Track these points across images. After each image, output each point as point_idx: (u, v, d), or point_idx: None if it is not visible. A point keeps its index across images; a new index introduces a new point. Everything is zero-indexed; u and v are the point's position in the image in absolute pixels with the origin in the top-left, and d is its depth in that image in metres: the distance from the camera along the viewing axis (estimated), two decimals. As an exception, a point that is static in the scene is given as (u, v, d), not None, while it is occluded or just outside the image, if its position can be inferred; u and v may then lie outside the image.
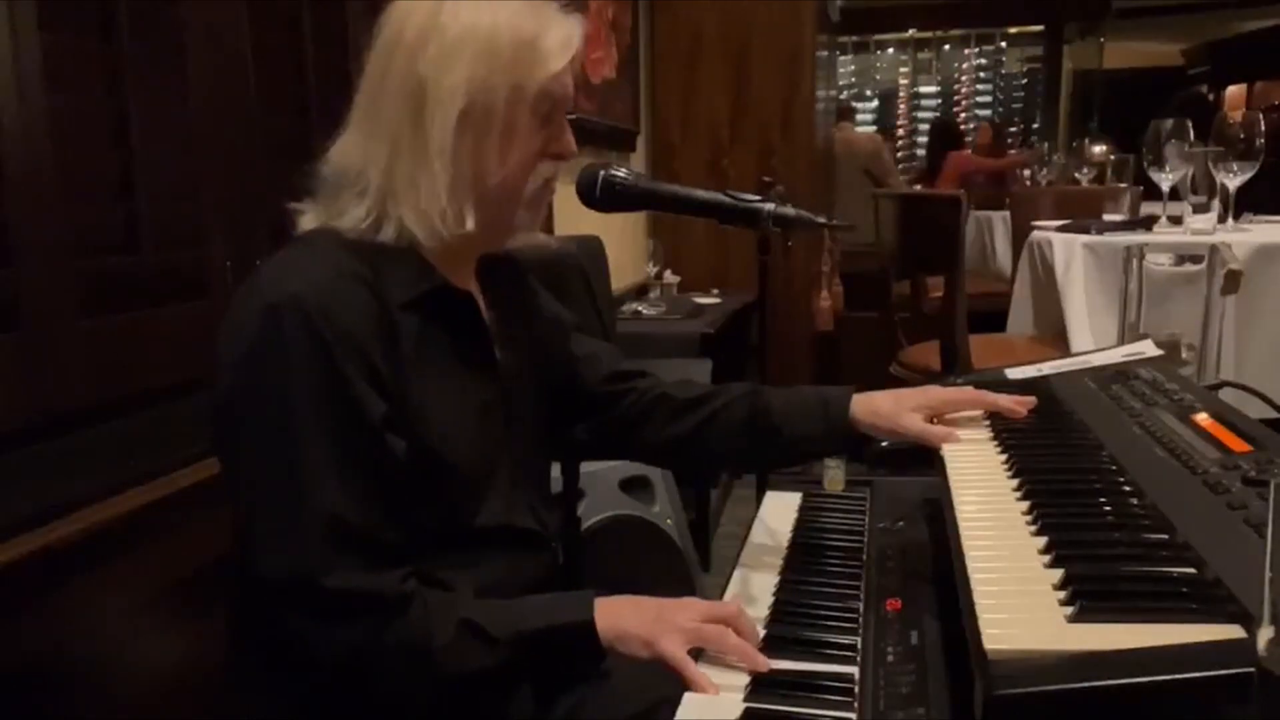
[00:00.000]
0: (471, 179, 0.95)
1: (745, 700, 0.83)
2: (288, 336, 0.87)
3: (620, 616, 0.93)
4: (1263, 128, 2.25)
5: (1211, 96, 7.87)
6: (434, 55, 0.93)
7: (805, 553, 1.14)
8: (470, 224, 0.95)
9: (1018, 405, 1.11)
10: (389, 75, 0.95)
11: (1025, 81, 7.60)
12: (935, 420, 1.13)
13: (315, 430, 0.87)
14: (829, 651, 0.91)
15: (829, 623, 0.96)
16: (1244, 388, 1.25)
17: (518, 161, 0.97)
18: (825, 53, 4.42)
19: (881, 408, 1.13)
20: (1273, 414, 1.14)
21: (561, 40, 0.97)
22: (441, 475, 0.97)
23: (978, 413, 1.14)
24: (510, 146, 0.96)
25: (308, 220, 1.00)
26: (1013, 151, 6.57)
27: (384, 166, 0.95)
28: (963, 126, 7.56)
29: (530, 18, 0.96)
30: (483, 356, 1.04)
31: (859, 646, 0.91)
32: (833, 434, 1.15)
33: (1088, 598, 0.64)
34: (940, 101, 7.62)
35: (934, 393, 1.17)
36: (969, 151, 6.03)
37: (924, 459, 1.11)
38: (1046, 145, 5.87)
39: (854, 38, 7.41)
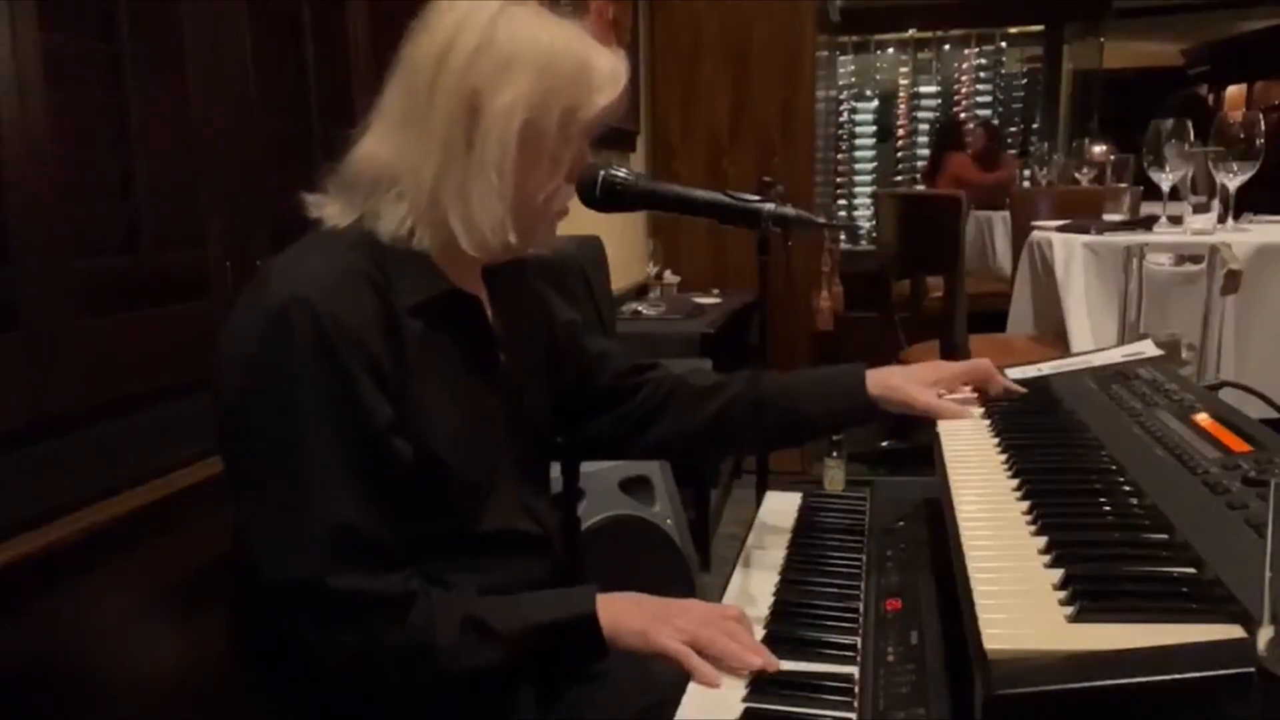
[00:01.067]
0: (518, 194, 0.95)
1: (745, 700, 0.83)
2: (295, 338, 0.86)
3: (621, 611, 0.94)
4: (1263, 128, 2.24)
5: (1211, 97, 7.87)
6: (490, 68, 0.92)
7: (805, 553, 1.14)
8: (514, 238, 0.95)
9: (1013, 388, 1.20)
10: (440, 81, 0.93)
11: (1025, 81, 7.58)
12: (945, 395, 1.19)
13: (321, 432, 0.87)
14: (829, 651, 0.91)
15: (829, 623, 0.96)
16: (1244, 388, 1.25)
17: (554, 178, 0.98)
18: (825, 53, 4.42)
19: (894, 382, 1.18)
20: (1273, 414, 1.14)
21: (612, 70, 0.97)
22: (444, 479, 0.96)
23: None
24: (557, 167, 0.97)
25: (330, 214, 0.98)
26: (1011, 152, 6.58)
27: (433, 174, 0.93)
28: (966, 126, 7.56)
29: (580, 41, 0.97)
30: (487, 361, 1.04)
31: (859, 646, 0.91)
32: (850, 409, 1.18)
33: (1088, 598, 0.64)
34: (940, 101, 7.60)
35: (945, 367, 1.23)
36: (968, 155, 6.02)
37: (924, 459, 1.11)
38: (1046, 145, 5.86)
39: (854, 38, 7.40)
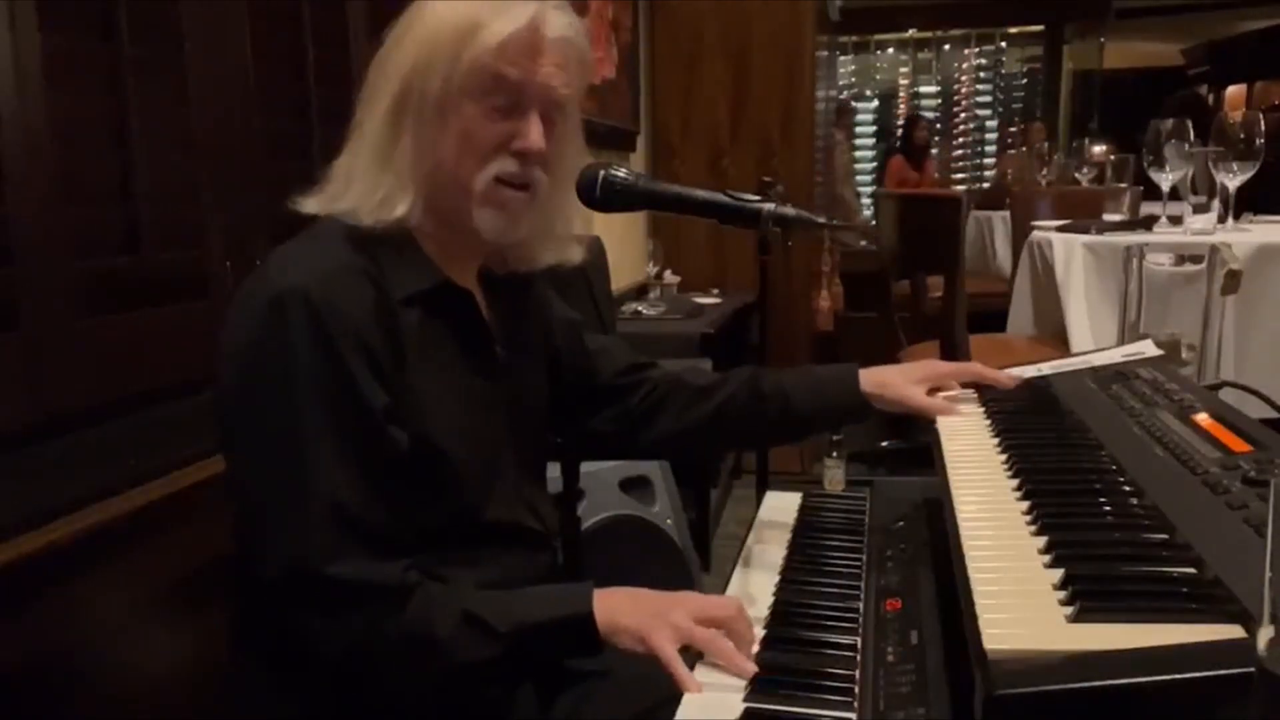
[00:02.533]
0: (409, 164, 0.96)
1: (745, 700, 0.83)
2: (292, 328, 0.87)
3: (617, 610, 0.94)
4: (1263, 128, 2.24)
5: (1211, 97, 7.87)
6: (395, 55, 0.96)
7: (805, 553, 1.14)
8: (400, 210, 0.95)
9: (1009, 380, 1.22)
10: (368, 79, 0.99)
11: (1025, 81, 7.59)
12: (938, 393, 1.20)
13: (319, 421, 0.88)
14: (829, 651, 0.91)
15: (829, 623, 0.96)
16: (1244, 388, 1.25)
17: (463, 151, 0.96)
18: (825, 53, 4.41)
19: (888, 379, 1.19)
20: (1273, 414, 1.14)
21: (506, 20, 0.94)
22: (442, 470, 0.97)
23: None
24: (445, 131, 0.95)
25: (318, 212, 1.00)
26: (933, 151, 6.72)
27: (349, 156, 0.98)
28: (963, 125, 7.57)
29: (480, 6, 0.95)
30: (484, 355, 1.05)
31: (859, 646, 0.91)
32: (844, 407, 1.20)
33: (1088, 598, 0.64)
34: (940, 101, 7.62)
35: (937, 366, 1.24)
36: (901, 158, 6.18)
37: (924, 459, 1.11)
38: (1046, 145, 5.87)
39: (854, 38, 7.41)
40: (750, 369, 1.24)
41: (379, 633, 0.89)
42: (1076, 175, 4.33)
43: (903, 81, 7.63)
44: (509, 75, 0.95)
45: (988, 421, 1.11)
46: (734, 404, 1.20)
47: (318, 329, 0.88)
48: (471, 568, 0.98)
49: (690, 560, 2.29)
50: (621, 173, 1.18)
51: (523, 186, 0.99)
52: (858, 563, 1.09)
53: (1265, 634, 0.48)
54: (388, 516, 0.90)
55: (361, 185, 0.96)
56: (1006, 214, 4.07)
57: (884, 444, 3.55)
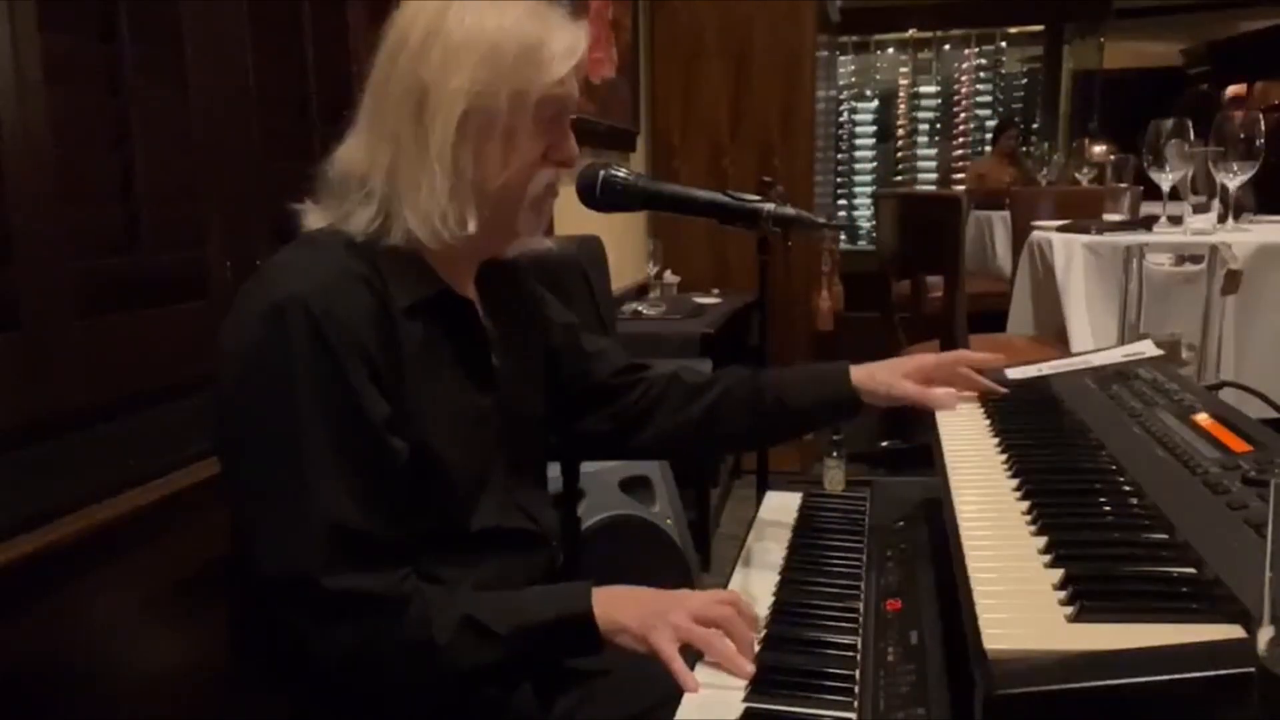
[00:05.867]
0: (473, 182, 0.95)
1: (745, 700, 0.83)
2: (292, 337, 0.87)
3: (618, 608, 0.94)
4: (1263, 128, 2.24)
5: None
6: (437, 59, 0.93)
7: (805, 553, 1.14)
8: (472, 226, 0.95)
9: (995, 387, 1.20)
10: (393, 78, 0.96)
11: (1025, 81, 7.59)
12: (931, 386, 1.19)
13: (318, 431, 0.87)
14: (829, 651, 0.91)
15: (829, 623, 0.96)
16: (1244, 388, 1.25)
17: (519, 166, 0.97)
18: (825, 53, 4.42)
19: (878, 374, 1.19)
20: (1273, 414, 1.14)
21: (566, 47, 0.97)
22: (436, 477, 0.97)
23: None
24: (512, 151, 0.96)
25: (314, 220, 1.00)
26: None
27: (387, 168, 0.95)
28: (963, 125, 7.56)
29: (535, 23, 0.96)
30: (481, 363, 1.04)
31: (859, 646, 0.91)
32: (835, 402, 1.20)
33: (1088, 598, 0.64)
34: (940, 101, 7.61)
35: (926, 358, 1.23)
36: None
37: (924, 459, 1.11)
38: (1046, 145, 5.88)
39: (854, 38, 7.40)
40: (744, 368, 1.24)
41: (378, 642, 0.89)
42: (1076, 175, 4.33)
43: (903, 81, 7.62)
44: (561, 96, 0.98)
45: (987, 421, 1.11)
46: (727, 400, 1.20)
47: (318, 338, 0.87)
48: (465, 569, 0.98)
49: (690, 560, 2.29)
50: (621, 173, 1.19)
51: (555, 190, 1.03)
52: (858, 563, 1.09)
53: (1265, 634, 0.48)
54: (385, 525, 0.90)
55: (425, 203, 0.93)
56: (1006, 214, 4.07)
57: (884, 444, 3.55)
